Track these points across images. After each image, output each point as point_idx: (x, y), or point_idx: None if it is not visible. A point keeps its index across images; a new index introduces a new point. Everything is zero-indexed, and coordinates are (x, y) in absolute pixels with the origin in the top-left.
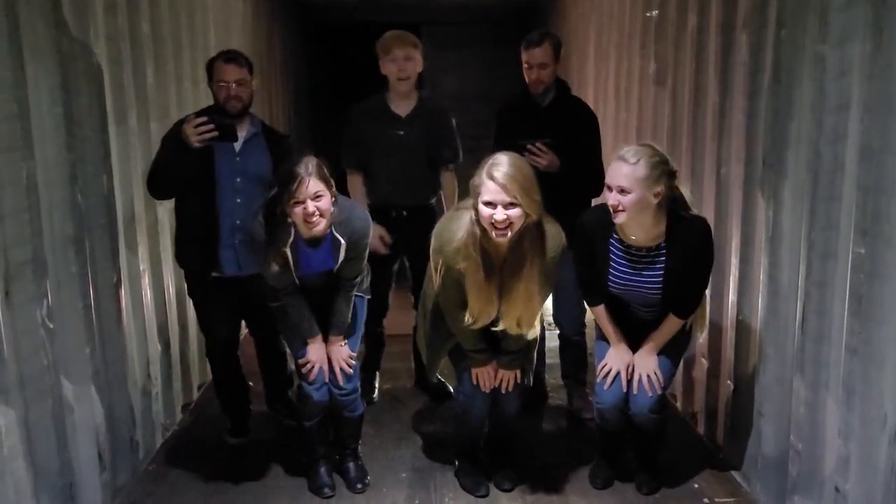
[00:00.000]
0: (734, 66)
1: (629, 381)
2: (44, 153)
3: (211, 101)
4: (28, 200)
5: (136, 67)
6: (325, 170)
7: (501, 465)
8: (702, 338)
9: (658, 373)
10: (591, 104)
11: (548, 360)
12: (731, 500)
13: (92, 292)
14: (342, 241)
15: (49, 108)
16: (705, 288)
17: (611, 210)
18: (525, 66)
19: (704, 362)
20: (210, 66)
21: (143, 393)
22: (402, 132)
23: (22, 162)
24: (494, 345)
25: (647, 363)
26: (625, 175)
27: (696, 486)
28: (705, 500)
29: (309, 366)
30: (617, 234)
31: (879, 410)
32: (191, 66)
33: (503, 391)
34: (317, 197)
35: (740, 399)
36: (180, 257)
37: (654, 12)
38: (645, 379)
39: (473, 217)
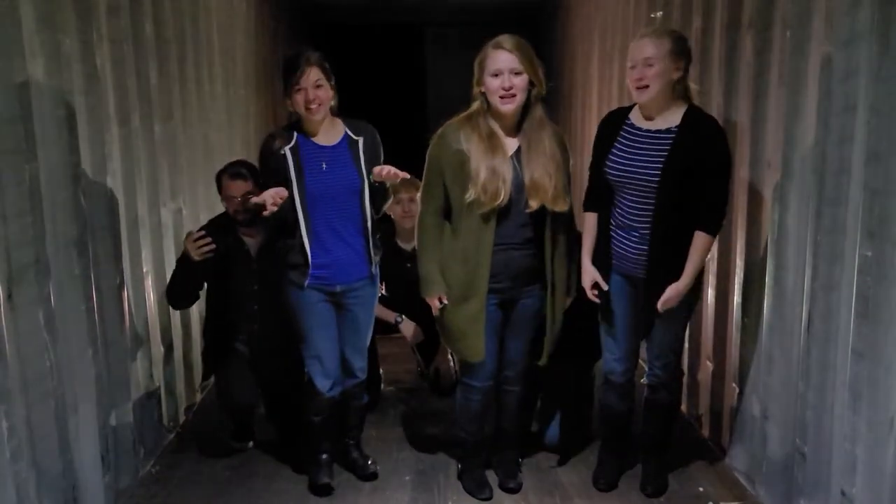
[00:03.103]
0: (739, 67)
1: (648, 341)
2: (46, 155)
3: (213, 103)
4: (31, 202)
5: (140, 69)
6: (327, 64)
7: (506, 467)
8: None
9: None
10: (594, 105)
11: None
12: (737, 503)
13: (95, 294)
14: (357, 139)
15: (52, 109)
16: (727, 196)
17: (636, 89)
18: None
19: (709, 365)
20: (218, 180)
21: (145, 395)
22: None
23: (25, 164)
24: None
25: (669, 298)
26: (650, 46)
27: (701, 488)
28: (710, 503)
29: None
30: (630, 120)
31: (886, 414)
32: (194, 67)
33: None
34: (317, 86)
35: (745, 402)
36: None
37: (659, 13)
38: (665, 298)
39: (479, 102)
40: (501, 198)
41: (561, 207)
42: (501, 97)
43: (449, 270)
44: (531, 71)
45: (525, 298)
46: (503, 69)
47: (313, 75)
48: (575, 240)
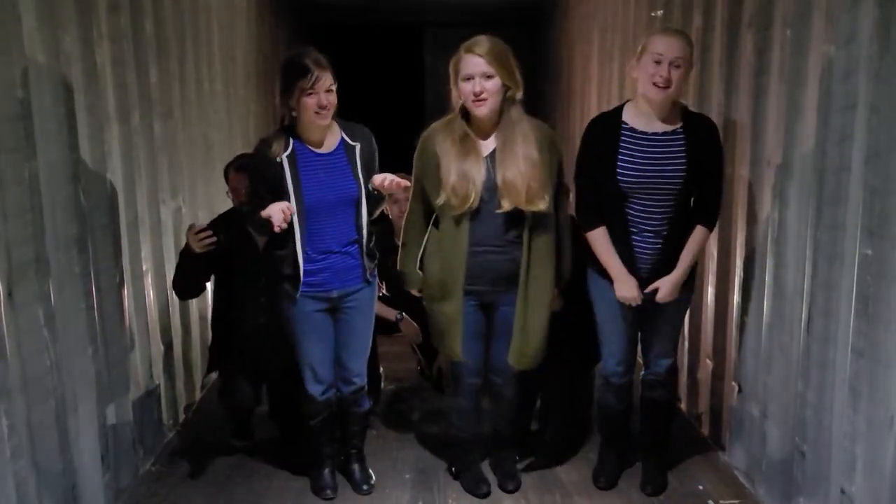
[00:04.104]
0: (739, 66)
1: (643, 341)
2: (46, 153)
3: (213, 101)
4: (31, 200)
5: (140, 67)
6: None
7: (504, 466)
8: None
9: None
10: (594, 105)
11: None
12: (736, 501)
13: (94, 293)
14: (354, 145)
15: (52, 107)
16: (722, 190)
17: (655, 86)
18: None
19: (709, 363)
20: (226, 172)
21: (145, 393)
22: None
23: (25, 162)
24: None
25: (669, 291)
26: (681, 47)
27: (701, 487)
28: (710, 501)
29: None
30: (628, 124)
31: (886, 412)
32: (194, 65)
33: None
34: (329, 90)
35: (745, 401)
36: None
37: (659, 12)
38: (666, 292)
39: (456, 104)
40: (472, 201)
41: (538, 207)
42: (473, 101)
43: (431, 269)
44: (504, 74)
45: (507, 304)
46: (474, 73)
47: (327, 81)
48: (566, 234)
